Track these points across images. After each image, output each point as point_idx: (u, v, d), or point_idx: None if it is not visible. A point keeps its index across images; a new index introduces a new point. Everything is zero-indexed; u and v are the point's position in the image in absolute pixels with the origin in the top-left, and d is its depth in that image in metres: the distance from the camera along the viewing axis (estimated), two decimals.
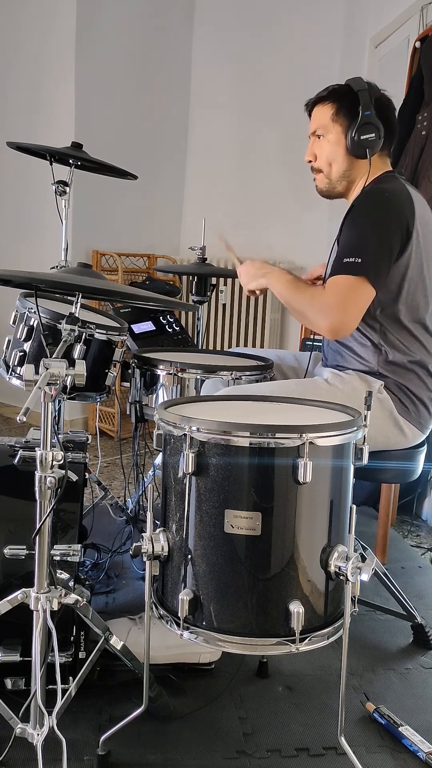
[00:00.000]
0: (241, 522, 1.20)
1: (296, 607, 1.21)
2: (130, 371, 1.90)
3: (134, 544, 1.28)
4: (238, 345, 3.87)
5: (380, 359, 1.68)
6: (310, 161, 1.78)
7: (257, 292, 1.81)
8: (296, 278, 1.73)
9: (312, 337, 2.99)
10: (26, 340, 1.73)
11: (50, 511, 1.20)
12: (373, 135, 1.66)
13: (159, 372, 1.82)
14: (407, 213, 1.60)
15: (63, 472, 1.21)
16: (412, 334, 1.67)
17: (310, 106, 1.77)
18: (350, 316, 1.58)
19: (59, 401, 1.97)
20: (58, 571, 1.40)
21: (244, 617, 1.23)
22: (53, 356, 1.23)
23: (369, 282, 1.56)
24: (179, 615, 1.25)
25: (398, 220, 1.59)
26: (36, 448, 1.19)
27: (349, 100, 1.68)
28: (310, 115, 1.78)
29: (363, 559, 1.25)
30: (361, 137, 1.66)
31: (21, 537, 1.45)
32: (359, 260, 1.56)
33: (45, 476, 1.19)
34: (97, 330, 1.74)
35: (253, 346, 3.84)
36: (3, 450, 1.56)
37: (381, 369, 1.69)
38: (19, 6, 3.72)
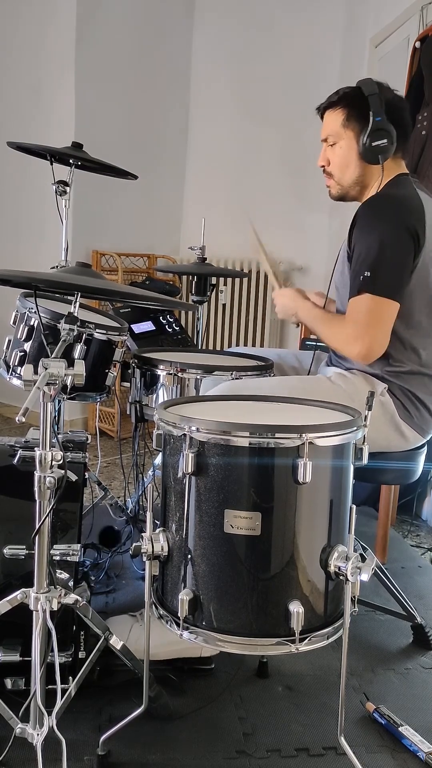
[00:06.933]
0: (240, 522, 1.20)
1: (296, 607, 1.20)
2: (130, 371, 1.90)
3: (134, 544, 1.28)
4: (238, 345, 3.87)
5: (383, 366, 1.66)
6: (323, 166, 1.76)
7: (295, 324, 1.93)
8: (322, 312, 1.74)
9: (312, 336, 2.99)
10: (26, 340, 1.73)
11: (50, 511, 1.20)
12: (385, 141, 1.62)
13: (159, 372, 1.82)
14: (416, 219, 1.57)
15: (62, 472, 1.21)
16: (412, 344, 1.64)
17: (322, 111, 1.74)
18: (376, 339, 1.57)
19: (59, 401, 1.97)
20: (58, 571, 1.40)
21: (243, 617, 1.23)
22: (52, 356, 1.22)
23: (389, 297, 1.54)
24: (179, 615, 1.25)
25: (407, 227, 1.55)
26: (35, 448, 1.19)
27: (360, 105, 1.64)
28: (322, 119, 1.75)
29: (363, 559, 1.24)
30: (373, 144, 1.62)
31: (21, 537, 1.45)
32: (376, 275, 1.54)
33: (44, 476, 1.19)
34: (97, 330, 1.74)
35: (253, 345, 3.84)
36: (3, 450, 1.56)
37: (385, 374, 1.67)
38: (19, 6, 3.72)
